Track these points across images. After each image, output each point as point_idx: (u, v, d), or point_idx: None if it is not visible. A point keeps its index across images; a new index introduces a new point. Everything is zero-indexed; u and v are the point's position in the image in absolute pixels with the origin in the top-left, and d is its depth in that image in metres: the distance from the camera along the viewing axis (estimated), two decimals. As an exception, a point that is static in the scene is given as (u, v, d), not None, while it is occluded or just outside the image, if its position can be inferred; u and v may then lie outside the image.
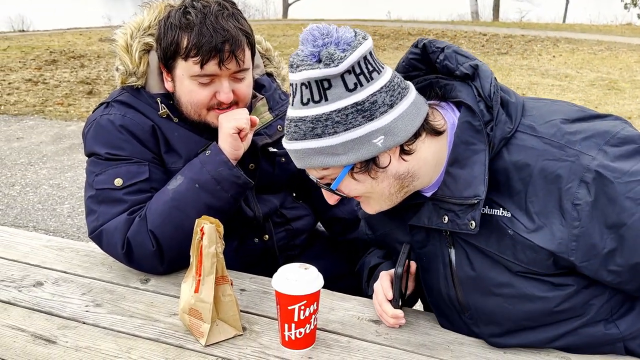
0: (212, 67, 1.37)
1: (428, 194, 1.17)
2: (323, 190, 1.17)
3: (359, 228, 1.45)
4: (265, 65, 1.68)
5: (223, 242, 1.19)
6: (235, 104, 1.44)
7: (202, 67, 1.36)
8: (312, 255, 1.65)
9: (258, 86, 1.59)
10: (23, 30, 15.60)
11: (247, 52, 1.41)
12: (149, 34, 1.49)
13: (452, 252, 1.16)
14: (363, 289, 1.40)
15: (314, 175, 1.15)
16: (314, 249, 1.70)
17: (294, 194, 1.76)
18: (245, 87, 1.45)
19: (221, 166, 1.38)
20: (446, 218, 1.11)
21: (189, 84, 1.41)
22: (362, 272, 1.42)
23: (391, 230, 1.30)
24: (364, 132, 1.04)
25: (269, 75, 1.68)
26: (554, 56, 10.04)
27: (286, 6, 23.10)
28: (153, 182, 1.41)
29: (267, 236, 1.56)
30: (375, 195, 1.14)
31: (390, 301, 1.20)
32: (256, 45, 1.53)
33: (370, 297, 1.30)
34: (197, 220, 1.18)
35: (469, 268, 1.13)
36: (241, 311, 1.23)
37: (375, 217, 1.26)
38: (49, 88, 7.73)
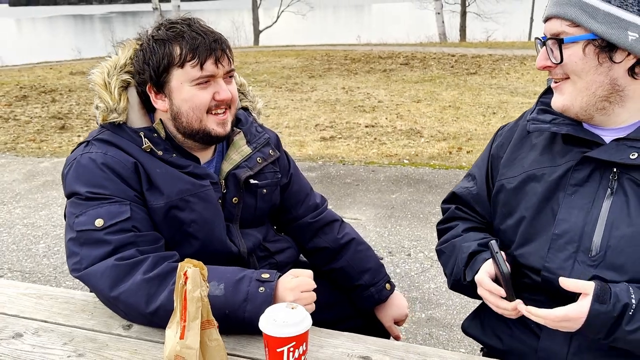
0: (210, 66, 1.42)
1: (607, 138, 1.24)
2: (541, 50, 1.24)
3: (459, 185, 1.55)
4: (240, 100, 1.69)
5: (208, 285, 1.17)
6: (228, 107, 1.48)
7: (201, 67, 1.41)
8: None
9: (235, 120, 1.59)
10: (-9, 66, 15.41)
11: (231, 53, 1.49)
12: (126, 71, 1.50)
13: (611, 199, 1.21)
14: (454, 274, 1.41)
15: (554, 27, 1.21)
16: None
17: (275, 227, 1.76)
18: (235, 89, 1.53)
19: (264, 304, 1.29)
20: (635, 155, 1.17)
21: (189, 90, 1.43)
22: (455, 255, 1.42)
23: (539, 169, 1.31)
24: (629, 19, 1.14)
25: (244, 109, 1.69)
26: (522, 74, 10.26)
27: (257, 33, 23.26)
28: (134, 221, 1.39)
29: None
30: (580, 84, 1.21)
31: (505, 298, 1.22)
32: None
33: (459, 284, 1.40)
34: (179, 264, 1.16)
35: (625, 215, 1.19)
36: (228, 354, 1.21)
37: (528, 156, 1.35)
38: (20, 124, 7.62)
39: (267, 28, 23.65)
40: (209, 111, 1.46)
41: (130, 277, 1.32)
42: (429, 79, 10.07)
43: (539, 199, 1.29)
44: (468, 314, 1.53)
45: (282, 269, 1.65)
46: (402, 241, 3.89)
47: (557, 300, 1.23)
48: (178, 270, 1.16)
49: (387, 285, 1.74)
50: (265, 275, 1.33)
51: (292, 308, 1.16)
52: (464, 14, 20.77)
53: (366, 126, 7.10)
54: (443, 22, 18.90)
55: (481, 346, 1.52)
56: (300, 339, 1.12)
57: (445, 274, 1.48)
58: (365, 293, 1.72)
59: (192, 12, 1.55)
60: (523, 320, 1.32)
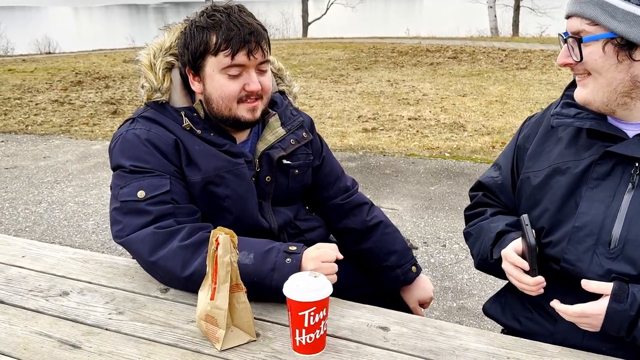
0: (241, 57, 1.48)
1: (631, 132, 1.27)
2: (563, 47, 1.28)
3: (486, 174, 1.59)
4: (277, 84, 1.76)
5: (237, 252, 1.25)
6: (260, 98, 1.55)
7: (232, 58, 1.48)
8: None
9: (271, 103, 1.67)
10: (49, 53, 16.03)
11: (268, 45, 1.55)
12: (171, 54, 1.60)
13: (631, 194, 1.24)
14: (481, 253, 1.46)
15: (574, 25, 1.23)
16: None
17: (307, 207, 1.83)
18: (269, 80, 1.58)
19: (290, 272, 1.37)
20: None
21: (219, 79, 1.51)
22: (483, 236, 1.47)
23: (564, 163, 1.35)
24: None
25: (281, 93, 1.77)
26: (573, 70, 10.00)
27: (306, 25, 23.37)
28: (173, 194, 1.48)
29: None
30: (601, 81, 1.24)
31: (527, 272, 1.28)
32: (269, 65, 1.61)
33: (485, 263, 1.45)
34: (212, 231, 1.25)
35: None
36: (255, 318, 1.29)
37: (554, 150, 1.38)
38: (75, 108, 7.94)
39: (316, 20, 23.73)
40: (239, 101, 1.53)
41: (168, 244, 1.41)
42: (477, 73, 9.96)
43: (562, 193, 1.32)
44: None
45: None
46: (438, 232, 3.92)
47: (574, 291, 1.26)
48: (211, 237, 1.25)
49: (414, 268, 1.79)
50: (292, 248, 1.40)
51: (315, 276, 1.23)
52: (517, 8, 20.34)
53: (409, 119, 7.10)
54: (495, 16, 18.57)
55: (501, 328, 1.56)
56: (321, 305, 1.19)
57: (472, 254, 1.53)
58: (391, 274, 1.78)
59: (243, 2, 1.62)
60: (542, 305, 1.35)
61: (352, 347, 1.24)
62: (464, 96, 8.33)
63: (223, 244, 1.21)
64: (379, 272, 1.80)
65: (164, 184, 1.49)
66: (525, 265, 1.25)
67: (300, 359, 1.21)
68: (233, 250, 1.23)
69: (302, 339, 1.21)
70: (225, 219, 1.54)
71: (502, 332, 1.55)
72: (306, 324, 1.19)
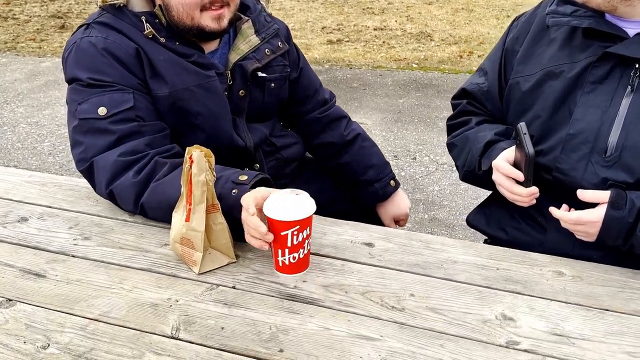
0: None
1: (631, 31, 1.19)
2: None
3: (470, 80, 1.50)
4: None
5: (214, 172, 1.16)
6: (227, 5, 1.39)
7: None
8: (302, 182, 1.64)
9: (243, 7, 1.52)
10: (-14, -37, 14.82)
11: None
12: None
13: (630, 98, 1.17)
14: (468, 164, 1.38)
15: None
16: (304, 176, 1.69)
17: (282, 123, 1.72)
18: None
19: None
20: None
21: None
22: (469, 146, 1.39)
23: (558, 66, 1.27)
24: None
25: (253, -4, 1.61)
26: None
27: None
28: (138, 110, 1.35)
29: (257, 165, 1.54)
30: None
31: (521, 183, 1.22)
32: None
33: (472, 175, 1.38)
34: (187, 149, 1.14)
35: None
36: (236, 242, 1.22)
37: (546, 52, 1.30)
38: (19, 23, 7.42)
39: None
40: (203, 8, 1.37)
41: (125, 174, 1.31)
42: (442, -19, 9.65)
43: (556, 98, 1.25)
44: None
45: (289, 164, 1.64)
46: (408, 145, 3.87)
47: (566, 201, 1.22)
48: (185, 155, 1.14)
49: (392, 182, 1.72)
50: (243, 178, 1.24)
51: (296, 194, 1.15)
52: None
53: (375, 29, 6.89)
54: None
55: (485, 238, 1.53)
56: (304, 223, 1.12)
57: (456, 166, 1.46)
58: (369, 189, 1.71)
59: None
60: (530, 213, 1.31)
61: (337, 264, 1.19)
62: (429, 4, 8.10)
63: (197, 161, 1.11)
64: (356, 187, 1.73)
65: (127, 99, 1.35)
66: (520, 176, 1.19)
67: (283, 278, 1.15)
68: (208, 169, 1.14)
69: (285, 259, 1.14)
70: (197, 137, 1.43)
71: (485, 242, 1.53)
72: (289, 244, 1.13)
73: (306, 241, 1.14)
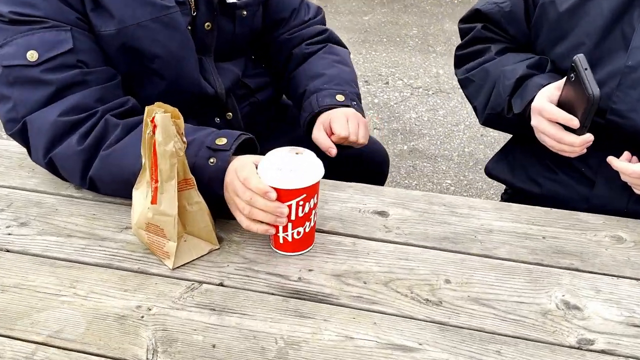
0: None
1: None
2: None
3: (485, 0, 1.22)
4: None
5: (184, 137, 0.88)
6: None
7: None
8: (280, 133, 1.37)
9: None
10: None
11: None
12: None
13: None
14: (493, 105, 1.14)
15: None
16: (281, 126, 1.41)
17: (253, 57, 1.42)
18: None
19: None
20: None
21: None
22: (492, 82, 1.14)
23: None
24: None
25: None
26: None
27: None
28: (79, 53, 1.03)
29: (230, 114, 1.26)
30: None
31: (572, 130, 0.97)
32: None
33: (498, 118, 1.15)
34: (147, 108, 0.86)
35: None
36: (216, 219, 0.96)
37: None
38: None
39: None
40: None
41: (67, 139, 1.02)
42: None
43: (605, 21, 1.00)
44: (491, 155, 1.31)
45: (265, 110, 1.36)
46: (379, 68, 3.59)
47: (617, 148, 1.00)
48: (145, 116, 0.86)
49: (340, 97, 1.20)
50: (221, 141, 0.96)
51: (297, 153, 0.90)
52: None
53: (330, -61, 6.36)
54: None
55: (505, 188, 1.32)
56: (311, 191, 0.88)
57: (473, 107, 1.22)
58: (305, 102, 1.24)
59: None
60: (569, 162, 1.10)
61: (347, 244, 0.96)
62: None
63: (162, 126, 0.83)
64: (295, 103, 1.33)
65: (64, 39, 1.03)
66: (573, 121, 0.95)
67: (283, 268, 0.91)
68: (177, 135, 0.86)
69: (287, 235, 0.91)
70: (156, 86, 1.13)
71: (506, 193, 1.31)
72: (293, 217, 0.89)
73: (313, 211, 0.91)
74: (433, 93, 3.31)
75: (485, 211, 1.02)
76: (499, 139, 2.85)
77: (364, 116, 1.21)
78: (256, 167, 0.90)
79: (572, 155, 1.01)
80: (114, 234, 0.99)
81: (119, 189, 1.03)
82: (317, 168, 0.89)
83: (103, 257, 0.94)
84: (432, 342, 0.77)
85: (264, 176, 0.87)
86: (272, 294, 0.86)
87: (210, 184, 0.93)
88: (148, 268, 0.92)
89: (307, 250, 0.94)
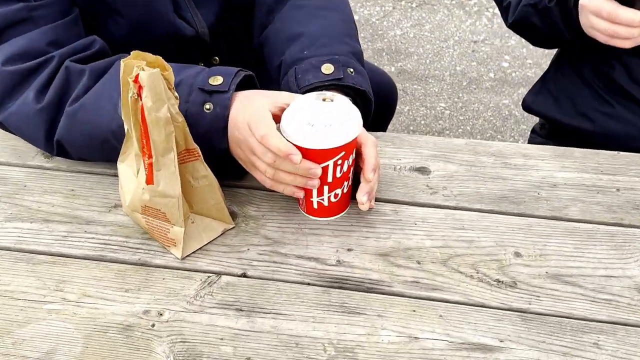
0: None
1: None
2: None
3: None
4: None
5: (175, 93, 0.68)
6: None
7: None
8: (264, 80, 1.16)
9: None
10: None
11: None
12: None
13: None
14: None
15: None
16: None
17: None
18: None
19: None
20: None
21: None
22: None
23: None
24: None
25: None
26: None
27: None
28: None
29: (216, 58, 1.04)
30: None
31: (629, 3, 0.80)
32: None
33: (535, 12, 0.94)
34: (123, 63, 0.66)
35: None
36: (225, 186, 0.78)
37: None
38: None
39: None
40: None
41: (20, 94, 0.81)
42: None
43: None
44: (529, 87, 1.13)
45: (253, 52, 1.12)
46: (356, -20, 3.30)
47: None
48: (122, 74, 0.66)
49: (327, 67, 0.84)
50: (216, 80, 0.75)
51: (325, 99, 0.72)
52: None
53: None
54: None
55: (539, 122, 1.16)
56: (351, 147, 0.72)
57: (499, 4, 1.03)
58: (282, 82, 0.90)
59: None
60: (628, 92, 0.94)
61: (387, 211, 0.79)
62: None
63: (151, 86, 0.64)
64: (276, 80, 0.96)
65: None
66: None
67: (316, 249, 0.75)
68: (171, 94, 0.67)
69: (323, 199, 0.75)
70: (119, 27, 0.91)
71: (542, 128, 1.15)
72: (330, 178, 0.72)
73: (351, 169, 0.75)
74: (417, 6, 3.08)
75: (543, 160, 0.86)
76: (492, 54, 2.67)
77: (368, 85, 0.87)
78: (274, 118, 0.72)
79: (627, 45, 0.84)
80: (101, 215, 0.81)
81: (94, 153, 0.84)
82: (355, 118, 0.72)
83: (92, 246, 0.76)
84: (514, 337, 0.64)
85: (293, 136, 0.69)
86: (308, 284, 0.71)
87: (208, 137, 0.74)
88: (151, 258, 0.75)
89: (345, 212, 0.78)
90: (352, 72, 0.84)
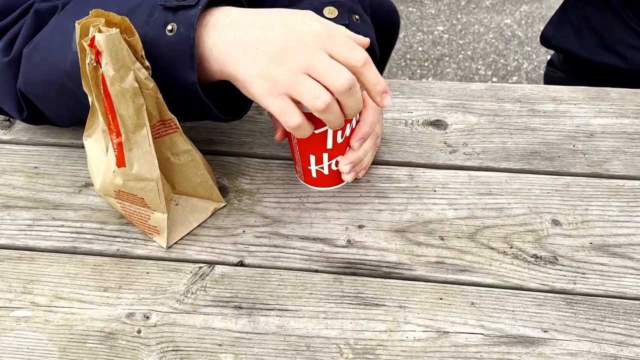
0: None
1: None
2: None
3: None
4: None
5: (146, 62, 0.55)
6: None
7: None
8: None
9: None
10: None
11: None
12: None
13: None
14: None
15: None
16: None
17: None
18: None
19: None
20: None
21: None
22: None
23: None
24: None
25: None
26: None
27: None
28: None
29: None
30: None
31: None
32: None
33: None
34: (77, 25, 0.52)
35: None
36: (209, 160, 0.67)
37: None
38: None
39: None
40: None
41: None
42: None
43: None
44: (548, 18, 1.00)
45: None
46: None
47: None
48: (77, 36, 0.53)
49: (330, 10, 0.71)
50: None
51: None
52: None
53: None
54: None
55: (556, 56, 1.03)
56: None
57: None
58: None
59: None
60: None
61: (402, 177, 0.69)
62: None
63: (110, 51, 0.51)
64: None
65: None
66: None
67: (322, 228, 0.65)
68: (137, 59, 0.54)
69: (322, 167, 0.64)
70: None
71: (563, 62, 1.03)
72: (330, 145, 0.62)
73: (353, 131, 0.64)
74: None
75: (576, 104, 0.75)
76: (491, -31, 2.48)
77: (374, 36, 0.72)
78: None
79: None
80: (71, 197, 0.70)
81: (57, 106, 0.69)
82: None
83: (62, 236, 0.66)
84: (560, 326, 0.55)
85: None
86: (316, 270, 0.61)
87: (172, 69, 0.56)
88: (131, 248, 0.64)
89: (343, 184, 0.68)
90: (357, 20, 0.70)
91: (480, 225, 0.63)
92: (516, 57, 2.12)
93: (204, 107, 0.58)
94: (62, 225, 0.67)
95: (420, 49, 2.20)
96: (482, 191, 0.66)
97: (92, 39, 0.51)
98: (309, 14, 0.55)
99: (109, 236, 0.65)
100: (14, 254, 0.65)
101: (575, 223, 0.62)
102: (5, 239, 0.66)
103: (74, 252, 0.64)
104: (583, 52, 0.91)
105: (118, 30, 0.51)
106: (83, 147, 0.68)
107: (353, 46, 0.53)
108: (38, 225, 0.67)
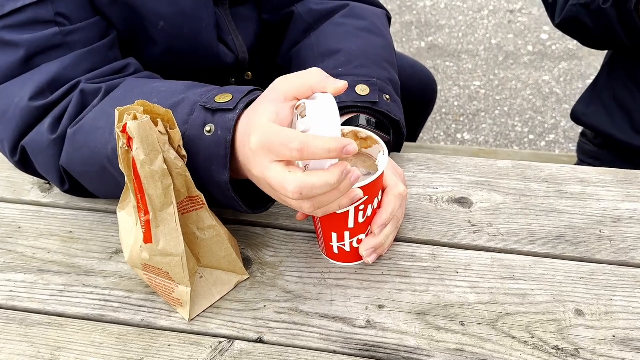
0: None
1: None
2: None
3: None
4: None
5: (183, 151, 0.58)
6: None
7: None
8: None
9: None
10: None
11: None
12: None
13: None
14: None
15: None
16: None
17: None
18: None
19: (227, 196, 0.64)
20: None
21: None
22: None
23: None
24: None
25: None
26: None
27: None
28: (57, 2, 0.71)
29: (250, 73, 0.93)
30: None
31: None
32: None
33: (588, 13, 0.82)
34: (116, 112, 0.56)
35: None
36: (231, 231, 0.69)
37: None
38: None
39: None
40: None
41: (36, 125, 0.72)
42: None
43: None
44: (578, 96, 1.00)
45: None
46: (381, -52, 3.12)
47: None
48: (116, 120, 0.56)
49: (362, 88, 0.74)
50: (224, 98, 0.61)
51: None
52: None
53: None
54: None
55: (589, 135, 1.02)
56: (374, 190, 0.61)
57: (546, 1, 0.90)
58: None
59: None
60: None
61: (424, 256, 0.69)
62: None
63: (140, 137, 0.54)
64: None
65: None
66: None
67: (342, 308, 0.65)
68: (166, 141, 0.57)
69: (343, 245, 0.65)
70: (155, 49, 0.80)
71: (596, 138, 1.02)
72: (351, 224, 0.62)
73: (377, 211, 0.65)
74: (447, -26, 2.89)
75: (604, 186, 0.74)
76: (530, 25, 2.49)
77: (402, 117, 0.76)
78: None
79: None
80: (101, 264, 0.72)
81: (97, 184, 0.74)
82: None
83: (90, 303, 0.68)
84: None
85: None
86: (334, 351, 0.61)
87: (206, 167, 0.61)
88: (155, 319, 0.66)
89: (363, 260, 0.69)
90: (387, 100, 0.72)
91: (502, 312, 0.62)
92: (554, 115, 2.11)
93: (232, 202, 0.62)
94: (91, 292, 0.69)
95: (456, 103, 2.21)
96: (505, 275, 0.66)
97: (124, 126, 0.54)
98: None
99: (135, 305, 0.67)
100: (45, 319, 0.67)
101: (598, 314, 0.61)
102: (37, 304, 0.68)
103: (100, 319, 0.66)
104: (614, 132, 0.90)
105: (149, 117, 0.54)
106: (116, 214, 0.71)
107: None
108: (69, 292, 0.69)
